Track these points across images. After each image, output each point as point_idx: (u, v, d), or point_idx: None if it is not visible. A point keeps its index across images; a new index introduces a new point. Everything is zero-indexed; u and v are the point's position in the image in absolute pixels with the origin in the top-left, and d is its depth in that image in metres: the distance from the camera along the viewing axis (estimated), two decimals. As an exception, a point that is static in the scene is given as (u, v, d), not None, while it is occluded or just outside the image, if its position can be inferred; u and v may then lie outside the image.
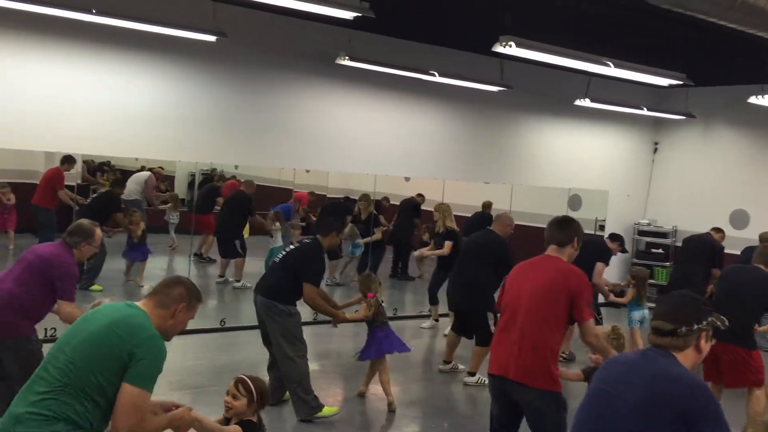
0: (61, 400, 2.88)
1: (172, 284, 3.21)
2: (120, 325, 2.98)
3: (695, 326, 2.56)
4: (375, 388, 6.55)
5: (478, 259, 7.18)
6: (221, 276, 10.44)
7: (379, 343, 6.24)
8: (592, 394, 2.72)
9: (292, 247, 6.10)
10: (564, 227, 4.28)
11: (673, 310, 2.62)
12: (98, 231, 4.84)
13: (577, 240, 4.26)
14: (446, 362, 7.56)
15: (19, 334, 4.53)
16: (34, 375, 3.02)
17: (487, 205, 11.12)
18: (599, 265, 8.00)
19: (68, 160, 8.52)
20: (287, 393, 6.10)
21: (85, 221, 4.88)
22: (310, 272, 5.80)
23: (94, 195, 9.15)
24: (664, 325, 2.58)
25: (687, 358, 2.58)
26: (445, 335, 8.82)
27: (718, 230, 9.40)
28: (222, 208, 10.73)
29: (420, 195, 11.72)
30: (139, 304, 3.14)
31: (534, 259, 4.31)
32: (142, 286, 9.31)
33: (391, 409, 6.23)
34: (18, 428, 2.86)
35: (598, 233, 11.71)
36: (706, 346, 2.63)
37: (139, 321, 3.02)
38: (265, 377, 6.56)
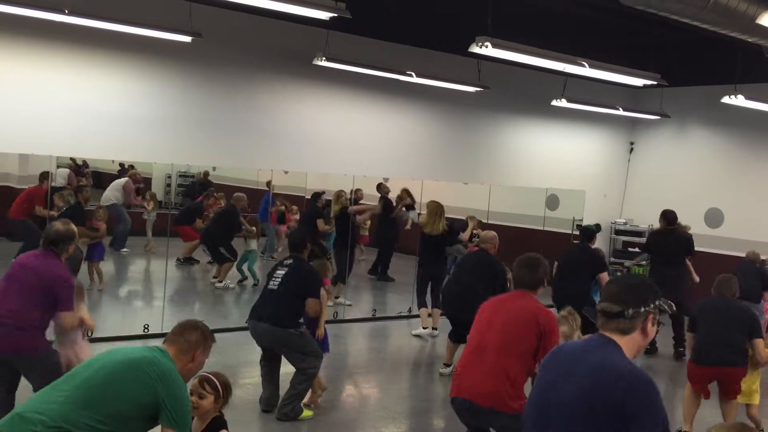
0: (77, 413, 2.96)
1: (190, 329, 3.38)
2: (152, 365, 3.13)
3: (642, 308, 2.51)
4: (350, 389, 6.53)
5: (478, 276, 7.17)
6: (218, 280, 10.26)
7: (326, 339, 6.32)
8: (536, 387, 2.68)
9: (280, 272, 6.02)
10: (533, 270, 4.37)
11: (620, 291, 2.57)
12: (73, 227, 4.85)
13: (546, 281, 4.46)
14: (446, 365, 7.54)
15: (41, 350, 4.54)
16: (51, 385, 3.12)
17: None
18: (604, 275, 7.85)
19: (45, 177, 8.54)
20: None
21: (59, 226, 4.83)
22: (314, 288, 6.01)
23: (61, 212, 9.00)
24: (611, 306, 2.54)
25: (633, 342, 2.53)
26: (414, 335, 8.84)
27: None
28: (213, 221, 10.52)
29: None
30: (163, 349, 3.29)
31: (509, 293, 4.70)
32: (101, 289, 9.19)
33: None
34: (23, 426, 2.91)
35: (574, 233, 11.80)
36: (652, 330, 2.57)
37: (171, 367, 3.20)
38: (244, 379, 6.56)
